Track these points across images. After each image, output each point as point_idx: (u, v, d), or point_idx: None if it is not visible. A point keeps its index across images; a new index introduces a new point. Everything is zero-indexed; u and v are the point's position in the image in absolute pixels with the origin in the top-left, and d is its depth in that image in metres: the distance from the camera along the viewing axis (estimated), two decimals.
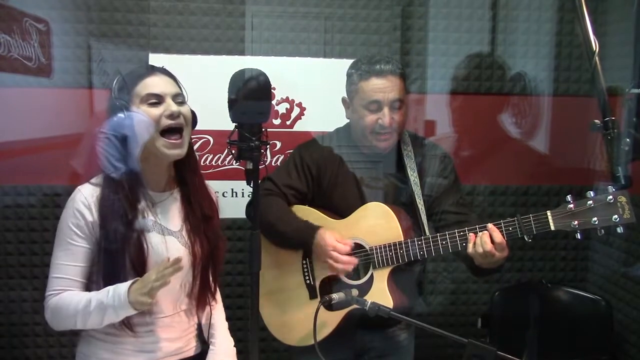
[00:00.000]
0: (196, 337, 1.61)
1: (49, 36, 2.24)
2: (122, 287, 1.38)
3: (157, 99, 1.43)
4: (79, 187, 1.47)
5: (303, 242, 1.76)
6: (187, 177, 1.55)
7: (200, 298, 1.58)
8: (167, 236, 1.50)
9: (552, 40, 2.49)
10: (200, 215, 1.56)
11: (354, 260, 1.70)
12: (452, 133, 2.46)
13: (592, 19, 1.19)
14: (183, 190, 1.56)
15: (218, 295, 1.69)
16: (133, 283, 1.38)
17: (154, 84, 1.44)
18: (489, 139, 2.50)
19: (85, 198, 1.44)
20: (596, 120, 1.22)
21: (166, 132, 1.43)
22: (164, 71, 1.49)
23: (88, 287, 1.47)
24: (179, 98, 1.47)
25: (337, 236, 1.71)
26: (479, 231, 1.59)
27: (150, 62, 2.24)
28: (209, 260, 1.57)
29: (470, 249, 1.59)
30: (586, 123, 2.46)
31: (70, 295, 1.44)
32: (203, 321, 1.63)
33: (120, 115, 1.41)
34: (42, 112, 2.25)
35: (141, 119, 1.42)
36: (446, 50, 2.46)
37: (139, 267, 1.44)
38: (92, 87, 2.28)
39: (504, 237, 1.56)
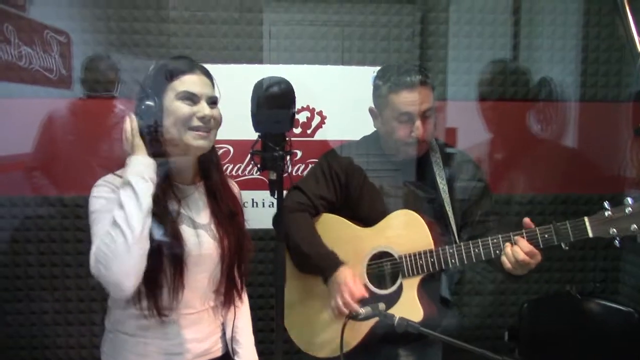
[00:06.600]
0: (222, 337, 1.59)
1: (70, 47, 2.25)
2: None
3: (192, 98, 1.41)
4: (102, 178, 1.41)
5: (323, 270, 1.72)
6: (211, 172, 1.54)
7: (226, 295, 1.56)
8: (198, 229, 1.48)
9: (578, 44, 2.43)
10: (226, 211, 1.54)
11: (357, 309, 1.58)
12: (478, 141, 2.41)
13: (635, 18, 1.13)
14: (207, 184, 1.54)
15: (245, 297, 1.66)
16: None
17: (193, 83, 1.42)
18: (515, 146, 2.44)
19: (111, 182, 1.38)
20: None
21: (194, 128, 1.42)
22: (204, 70, 1.48)
23: None
24: (213, 100, 1.46)
25: (357, 280, 1.67)
26: (514, 238, 1.55)
27: None
28: (235, 256, 1.55)
29: (505, 261, 1.55)
30: (615, 129, 2.43)
31: None
32: (227, 322, 1.59)
33: (150, 103, 1.39)
34: (63, 122, 2.26)
35: (172, 113, 1.39)
36: (468, 56, 2.41)
37: (176, 259, 1.41)
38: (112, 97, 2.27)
39: (535, 245, 1.52)
